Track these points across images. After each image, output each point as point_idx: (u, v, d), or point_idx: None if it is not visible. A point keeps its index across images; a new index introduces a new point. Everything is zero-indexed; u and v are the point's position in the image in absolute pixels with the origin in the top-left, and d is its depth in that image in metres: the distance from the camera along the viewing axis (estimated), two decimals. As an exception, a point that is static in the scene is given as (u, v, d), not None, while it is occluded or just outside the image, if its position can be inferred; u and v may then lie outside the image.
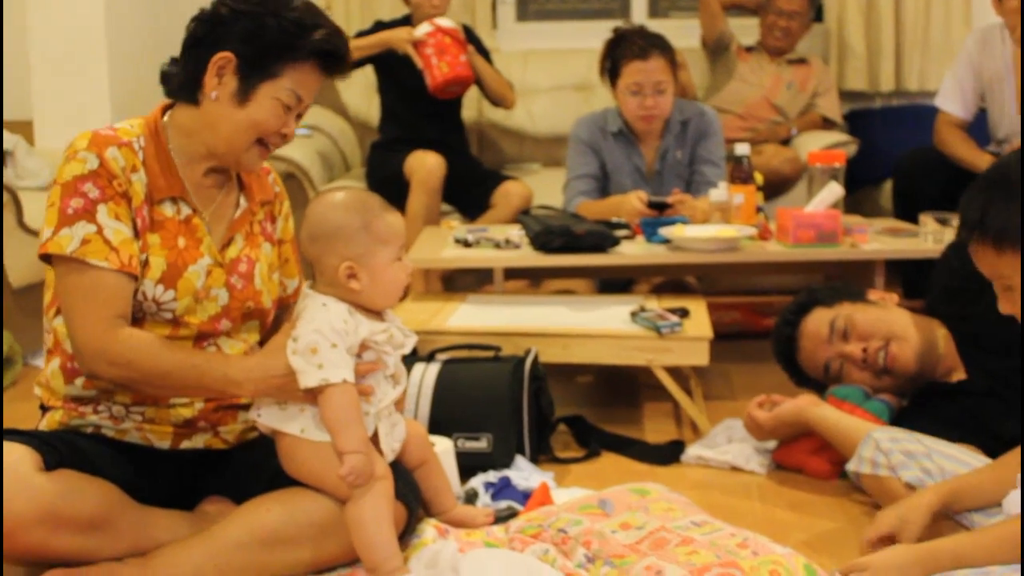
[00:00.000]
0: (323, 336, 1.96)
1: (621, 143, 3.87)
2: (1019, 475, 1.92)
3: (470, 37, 4.56)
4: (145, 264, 2.03)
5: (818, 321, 2.74)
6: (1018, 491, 1.91)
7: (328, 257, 2.04)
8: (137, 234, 2.03)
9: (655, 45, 3.74)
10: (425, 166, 4.23)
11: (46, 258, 2.02)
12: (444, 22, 4.34)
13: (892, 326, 2.66)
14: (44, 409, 2.14)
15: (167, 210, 2.08)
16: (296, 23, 2.02)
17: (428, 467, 2.22)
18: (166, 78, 2.14)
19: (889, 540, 1.99)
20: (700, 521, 2.11)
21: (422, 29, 4.32)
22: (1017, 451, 2.05)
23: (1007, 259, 1.71)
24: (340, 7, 5.19)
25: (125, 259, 1.99)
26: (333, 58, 2.08)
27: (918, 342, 2.62)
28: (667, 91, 3.75)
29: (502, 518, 2.28)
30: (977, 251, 1.76)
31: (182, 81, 2.09)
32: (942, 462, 2.23)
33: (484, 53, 4.61)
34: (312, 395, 1.98)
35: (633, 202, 3.60)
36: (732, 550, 1.96)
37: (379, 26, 4.54)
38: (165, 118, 2.12)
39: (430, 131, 4.45)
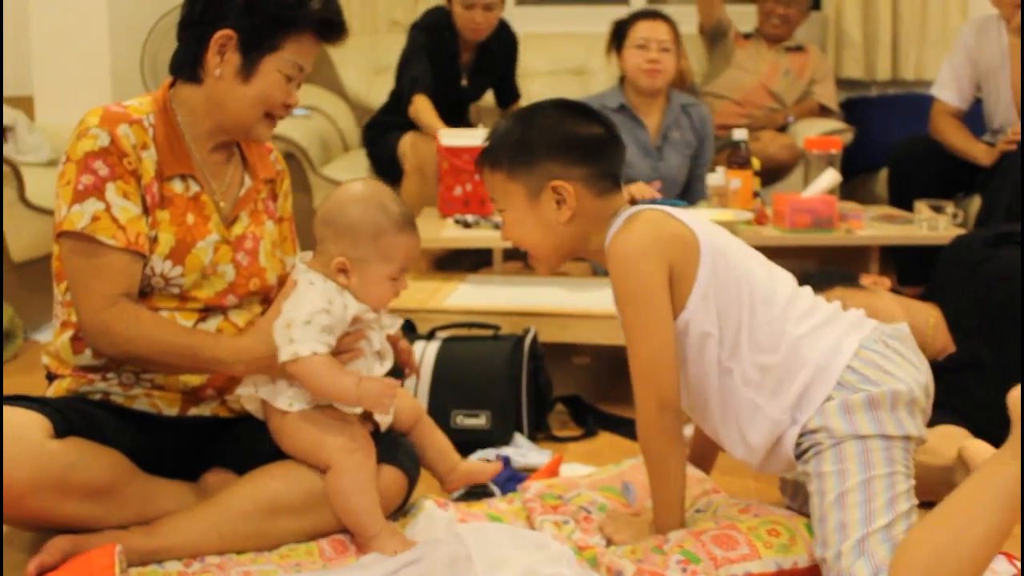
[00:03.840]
0: (299, 312, 2.00)
1: (624, 119, 3.92)
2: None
3: (507, 31, 4.54)
4: (154, 240, 2.05)
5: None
6: None
7: (330, 245, 2.07)
8: (147, 211, 2.05)
9: (661, 14, 3.98)
10: (417, 153, 4.21)
11: (61, 236, 2.04)
12: None
13: (878, 312, 2.69)
14: (51, 378, 2.16)
15: (176, 187, 2.10)
16: None
17: (422, 428, 2.25)
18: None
19: None
20: (708, 488, 2.19)
21: None
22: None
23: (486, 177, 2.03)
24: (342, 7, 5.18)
25: (132, 237, 2.01)
26: (331, 26, 2.11)
27: None
28: (671, 53, 3.89)
29: (475, 494, 2.32)
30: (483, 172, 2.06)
31: (183, 59, 2.11)
32: None
33: (513, 46, 4.62)
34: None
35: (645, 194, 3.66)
36: (733, 516, 2.00)
37: (438, 10, 4.45)
38: (171, 94, 2.14)
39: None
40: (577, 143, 1.96)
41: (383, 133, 4.45)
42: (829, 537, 1.80)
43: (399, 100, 4.46)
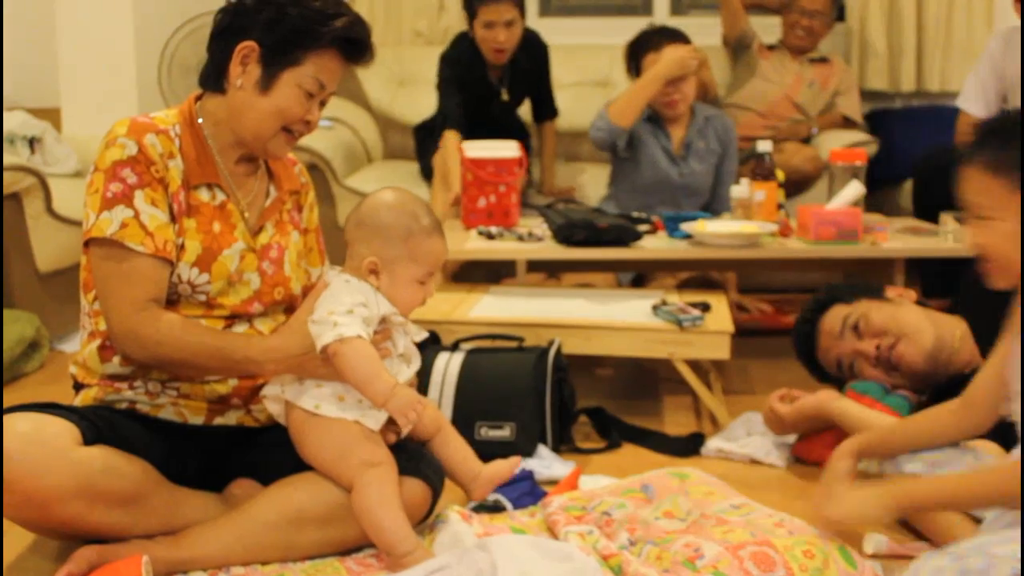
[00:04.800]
0: (340, 303, 2.02)
1: (650, 127, 4.02)
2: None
3: (534, 43, 4.58)
4: (181, 248, 2.08)
5: (835, 318, 2.77)
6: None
7: (361, 246, 2.11)
8: (174, 219, 2.08)
9: (671, 38, 3.99)
10: (445, 166, 4.25)
11: (88, 243, 2.07)
12: None
13: (904, 325, 2.68)
14: (78, 387, 2.18)
15: (203, 195, 2.13)
16: (318, 11, 2.08)
17: (444, 435, 2.24)
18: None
19: None
20: (739, 504, 2.17)
21: None
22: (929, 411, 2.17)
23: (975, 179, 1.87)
24: (363, 8, 5.22)
25: (160, 244, 2.04)
26: (355, 46, 2.13)
27: (928, 340, 2.64)
28: (687, 77, 3.96)
29: (487, 508, 2.31)
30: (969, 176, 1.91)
31: (209, 70, 2.15)
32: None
33: (544, 56, 4.65)
34: (331, 366, 2.01)
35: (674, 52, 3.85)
36: (768, 529, 2.00)
37: (463, 38, 4.51)
38: (197, 106, 2.17)
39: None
40: None
41: (427, 137, 4.53)
42: None
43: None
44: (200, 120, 2.15)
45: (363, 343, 2.00)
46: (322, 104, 2.16)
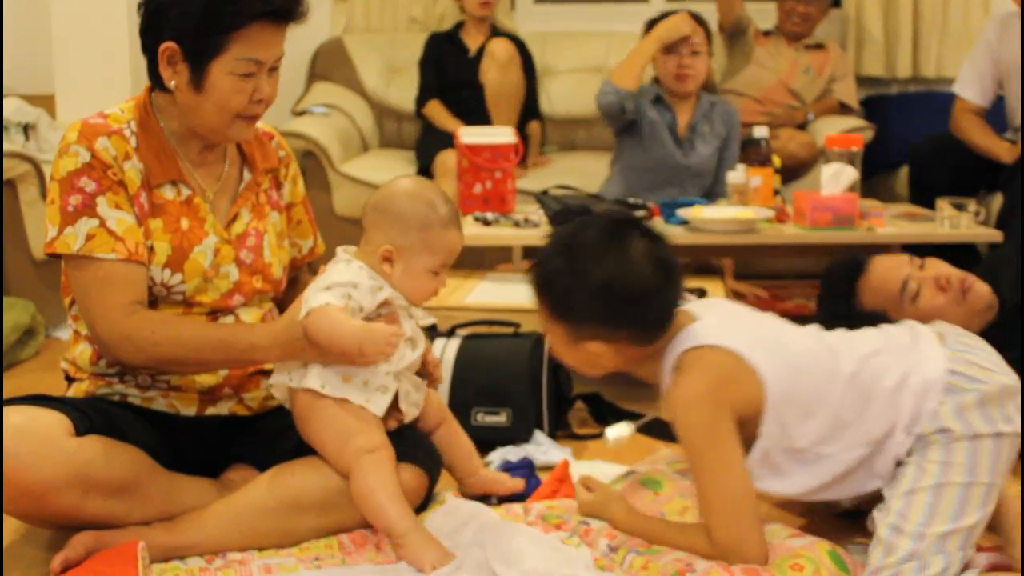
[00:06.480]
0: (323, 281, 2.00)
1: (658, 108, 4.03)
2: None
3: (521, 50, 4.72)
4: (150, 250, 2.03)
5: (895, 257, 2.74)
6: None
7: (377, 232, 2.08)
8: (138, 221, 2.03)
9: (691, 14, 4.05)
10: (446, 165, 4.30)
11: (54, 256, 2.03)
12: None
13: (967, 274, 2.67)
14: (70, 380, 2.17)
15: (167, 193, 2.08)
16: None
17: (447, 428, 2.25)
18: None
19: None
20: None
21: None
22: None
23: None
24: (360, 5, 5.22)
25: (132, 247, 1.99)
26: (278, 13, 1.98)
27: (988, 290, 2.64)
28: (701, 54, 4.00)
29: (474, 498, 2.29)
30: None
31: (148, 70, 2.06)
32: None
33: (528, 59, 4.76)
34: (330, 354, 1.99)
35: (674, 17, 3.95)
36: None
37: (434, 38, 4.77)
38: (152, 97, 2.10)
39: None
40: None
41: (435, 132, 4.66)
42: (914, 514, 1.86)
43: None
44: (156, 113, 2.08)
45: (325, 309, 1.95)
46: (272, 71, 2.03)
